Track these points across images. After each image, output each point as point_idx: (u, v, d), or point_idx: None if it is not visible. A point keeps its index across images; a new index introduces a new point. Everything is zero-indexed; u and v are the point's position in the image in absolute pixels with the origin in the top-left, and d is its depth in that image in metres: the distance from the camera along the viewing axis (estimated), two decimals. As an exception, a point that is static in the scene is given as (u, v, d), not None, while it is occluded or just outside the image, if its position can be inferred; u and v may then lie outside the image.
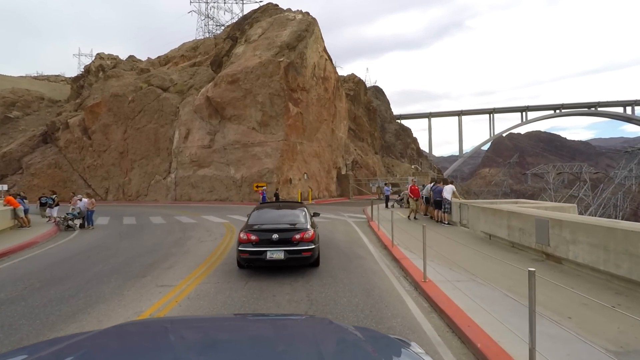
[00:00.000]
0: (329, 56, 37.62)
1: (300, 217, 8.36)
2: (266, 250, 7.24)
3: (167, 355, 1.43)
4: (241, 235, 7.55)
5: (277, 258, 7.22)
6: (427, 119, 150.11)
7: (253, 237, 7.37)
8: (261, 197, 21.85)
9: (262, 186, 27.89)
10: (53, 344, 1.57)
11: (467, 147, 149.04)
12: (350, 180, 39.14)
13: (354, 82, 54.48)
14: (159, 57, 54.46)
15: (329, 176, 37.28)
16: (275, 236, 7.34)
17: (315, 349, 1.50)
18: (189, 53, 52.53)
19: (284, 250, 7.24)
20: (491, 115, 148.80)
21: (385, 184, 24.67)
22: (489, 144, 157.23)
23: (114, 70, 47.76)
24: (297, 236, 7.42)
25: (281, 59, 30.62)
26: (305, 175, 32.92)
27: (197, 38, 61.42)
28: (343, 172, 40.72)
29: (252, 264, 7.63)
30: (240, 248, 7.45)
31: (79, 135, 41.76)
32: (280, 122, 30.41)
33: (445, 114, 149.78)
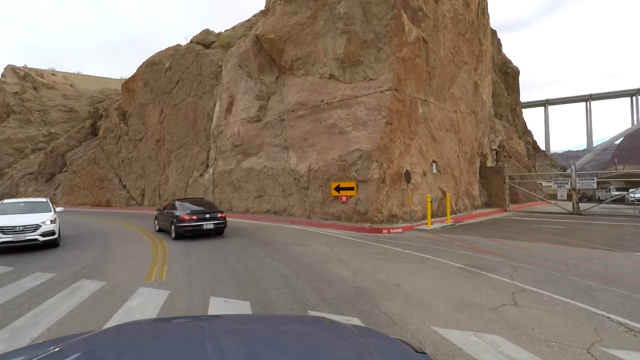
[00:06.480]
0: (468, -51, 19.37)
1: (215, 205, 13.25)
2: (203, 224, 11.15)
3: (166, 355, 1.34)
4: (185, 216, 11.06)
5: (209, 228, 11.25)
6: (542, 107, 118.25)
7: (194, 217, 11.14)
8: None
9: (348, 188, 12.04)
10: (52, 345, 1.48)
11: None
12: (507, 179, 20.21)
13: (484, 33, 34.65)
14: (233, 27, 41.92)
15: (472, 169, 19.02)
16: (207, 215, 11.38)
17: (314, 348, 1.45)
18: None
19: (214, 223, 11.34)
20: (635, 98, 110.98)
21: None
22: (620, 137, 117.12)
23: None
24: (219, 215, 11.58)
25: None
26: (433, 165, 15.42)
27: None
28: (489, 164, 21.95)
29: (193, 233, 11.18)
30: (184, 224, 10.99)
31: (116, 122, 30.55)
32: (385, 52, 13.49)
33: (568, 100, 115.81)
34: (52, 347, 1.40)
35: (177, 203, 12.13)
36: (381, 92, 13.38)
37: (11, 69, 55.97)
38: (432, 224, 12.97)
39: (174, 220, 11.21)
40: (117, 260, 8.30)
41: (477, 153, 19.65)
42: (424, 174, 14.68)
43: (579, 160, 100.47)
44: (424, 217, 14.39)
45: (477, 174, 20.08)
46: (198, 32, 27.44)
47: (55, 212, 10.24)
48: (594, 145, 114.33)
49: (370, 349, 1.42)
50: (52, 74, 60.53)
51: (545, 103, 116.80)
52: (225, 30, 29.28)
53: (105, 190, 30.58)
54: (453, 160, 16.78)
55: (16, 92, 53.82)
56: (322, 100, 15.25)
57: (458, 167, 17.15)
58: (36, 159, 42.42)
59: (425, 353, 1.48)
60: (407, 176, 13.20)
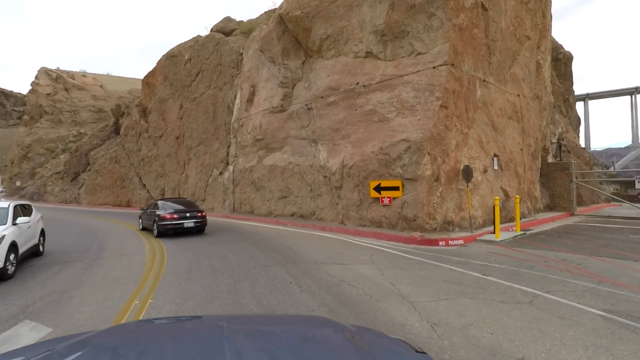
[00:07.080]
0: None
1: (195, 204, 13.52)
2: (184, 222, 11.48)
3: (166, 355, 1.30)
4: (166, 215, 11.41)
5: (190, 226, 11.56)
6: (582, 102, 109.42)
7: (175, 216, 11.48)
8: None
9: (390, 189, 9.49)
10: (52, 344, 1.44)
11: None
12: (573, 177, 16.85)
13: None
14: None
15: (535, 166, 15.85)
16: (188, 214, 11.68)
17: (314, 348, 1.41)
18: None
19: (194, 221, 11.66)
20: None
21: None
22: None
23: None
24: (199, 214, 11.90)
25: None
26: (495, 160, 12.49)
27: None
28: (549, 159, 18.57)
29: (174, 231, 11.41)
30: (165, 222, 11.32)
31: (137, 119, 29.32)
32: (438, 18, 10.76)
33: (611, 93, 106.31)
34: (52, 347, 1.36)
35: (159, 202, 12.55)
36: (433, 67, 10.65)
37: (44, 71, 56.97)
38: (499, 233, 10.11)
39: (156, 219, 11.62)
40: (93, 285, 6.14)
41: (541, 148, 16.42)
42: (485, 171, 11.81)
43: (622, 158, 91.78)
44: (485, 224, 11.53)
45: (539, 172, 16.85)
46: (219, 21, 25.60)
47: (16, 224, 6.98)
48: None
49: (370, 348, 1.38)
50: (83, 75, 61.28)
51: (585, 97, 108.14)
52: (248, 20, 27.31)
53: (126, 190, 29.40)
54: (516, 154, 13.74)
55: (48, 94, 54.66)
56: (358, 83, 12.68)
57: (522, 162, 14.08)
58: (65, 158, 42.41)
59: (425, 353, 1.42)
60: (467, 173, 10.41)
